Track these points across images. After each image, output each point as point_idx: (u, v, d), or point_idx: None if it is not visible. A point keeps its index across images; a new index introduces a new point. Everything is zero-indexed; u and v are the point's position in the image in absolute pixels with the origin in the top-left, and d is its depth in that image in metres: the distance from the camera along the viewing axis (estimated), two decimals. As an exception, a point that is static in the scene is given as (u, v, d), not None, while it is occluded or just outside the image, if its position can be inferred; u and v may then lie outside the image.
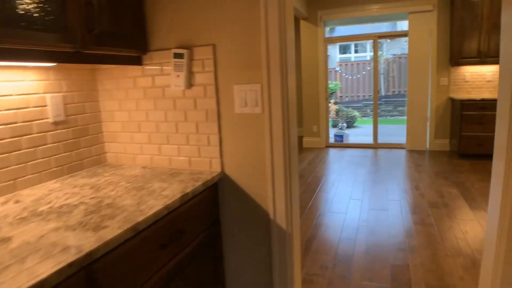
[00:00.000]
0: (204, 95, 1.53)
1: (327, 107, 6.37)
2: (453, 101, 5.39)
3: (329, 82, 10.39)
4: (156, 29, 1.57)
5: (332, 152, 6.00)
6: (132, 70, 1.65)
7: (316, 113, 6.27)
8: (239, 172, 1.55)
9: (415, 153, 5.57)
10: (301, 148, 6.35)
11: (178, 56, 1.51)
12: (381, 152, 5.80)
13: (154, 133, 1.66)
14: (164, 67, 1.58)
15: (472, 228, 2.86)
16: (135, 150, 1.72)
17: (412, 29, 5.52)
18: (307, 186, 4.18)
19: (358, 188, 4.00)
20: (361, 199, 3.66)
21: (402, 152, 5.69)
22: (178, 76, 1.52)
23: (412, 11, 5.45)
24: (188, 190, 1.30)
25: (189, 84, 1.55)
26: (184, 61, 1.50)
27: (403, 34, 6.01)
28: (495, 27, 4.89)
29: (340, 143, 6.44)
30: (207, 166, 1.58)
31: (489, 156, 5.22)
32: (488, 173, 4.42)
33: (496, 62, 4.99)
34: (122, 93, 1.69)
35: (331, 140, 6.57)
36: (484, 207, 3.27)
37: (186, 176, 1.49)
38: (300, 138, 6.78)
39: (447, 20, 5.35)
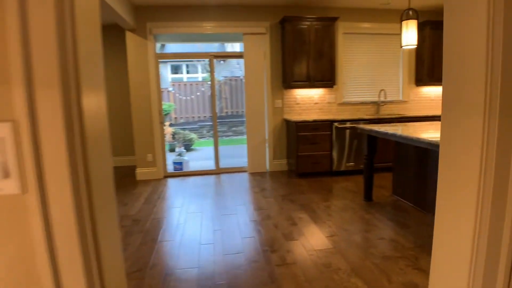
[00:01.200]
0: None
1: (163, 132, 5.62)
2: (288, 122, 5.53)
3: (163, 103, 9.69)
4: None
5: (172, 183, 5.25)
6: None
7: (150, 140, 5.42)
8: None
9: (257, 176, 5.43)
10: (134, 181, 5.34)
11: None
12: (224, 178, 5.42)
13: None
14: None
15: (333, 259, 2.65)
16: None
17: (247, 51, 5.44)
18: (146, 234, 3.30)
19: (207, 228, 3.39)
20: (212, 242, 3.05)
21: (245, 176, 5.47)
22: None
23: (247, 32, 5.38)
24: None
25: None
26: None
27: (238, 55, 5.93)
28: (320, 53, 5.28)
29: (180, 172, 5.76)
30: None
31: (322, 174, 5.88)
32: (326, 190, 4.77)
33: (323, 86, 5.38)
34: None
35: (170, 168, 5.82)
36: (334, 230, 3.18)
37: None
38: (133, 170, 5.76)
39: (279, 44, 5.51)
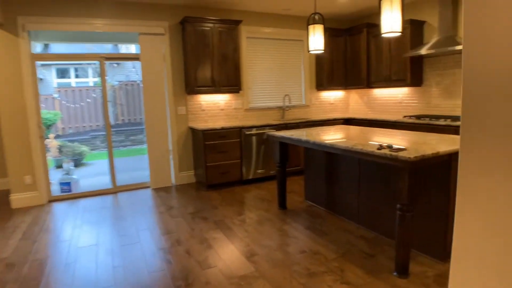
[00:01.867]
0: None
1: (44, 147, 4.64)
2: (193, 131, 5.12)
3: (46, 111, 8.26)
4: None
5: (59, 208, 4.34)
6: None
7: (28, 158, 4.40)
8: None
9: (162, 192, 4.88)
10: (8, 210, 4.28)
11: None
12: (123, 197, 4.73)
13: None
14: None
15: (258, 285, 2.36)
16: None
17: (144, 52, 4.86)
18: (23, 283, 2.53)
19: (105, 265, 2.78)
20: (113, 283, 2.48)
21: (148, 193, 4.86)
22: None
23: (144, 32, 4.79)
24: None
25: None
26: None
27: (134, 57, 5.27)
28: (225, 57, 5.00)
29: (69, 194, 4.82)
30: None
31: (232, 184, 5.28)
32: (239, 202, 4.35)
33: (229, 91, 5.12)
34: None
35: (56, 190, 4.84)
36: (254, 249, 2.92)
37: None
38: (6, 195, 4.64)
39: (180, 46, 5.06)
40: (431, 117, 4.66)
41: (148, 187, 5.14)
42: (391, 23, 2.47)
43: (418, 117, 4.80)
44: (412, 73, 5.12)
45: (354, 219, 3.46)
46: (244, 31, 5.46)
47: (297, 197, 4.39)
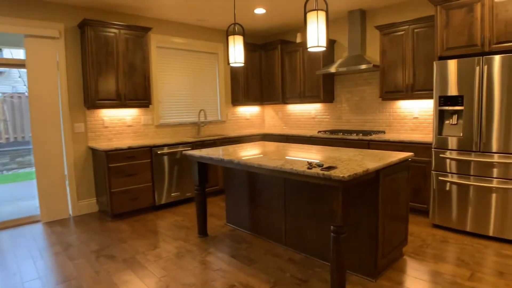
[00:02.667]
0: None
1: None
2: (94, 151, 4.42)
3: None
4: None
5: None
6: None
7: None
8: None
9: (57, 226, 4.05)
10: None
11: None
12: (4, 237, 3.78)
13: None
14: None
15: None
16: None
17: (31, 59, 4.04)
18: None
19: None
20: None
21: (38, 229, 3.98)
22: None
23: (31, 34, 3.99)
24: None
25: None
26: None
27: (19, 64, 4.35)
28: (132, 67, 4.46)
29: None
30: None
31: (144, 211, 4.46)
32: (153, 232, 3.68)
33: (137, 105, 4.57)
34: None
35: None
36: (174, 291, 2.48)
37: None
38: None
39: (78, 53, 4.35)
40: (344, 131, 4.82)
41: (38, 221, 4.24)
42: (316, 37, 2.37)
43: (332, 132, 4.93)
44: (325, 89, 5.28)
45: (281, 241, 3.26)
46: (155, 40, 5.00)
47: (217, 221, 4.05)
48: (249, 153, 3.20)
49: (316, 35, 2.34)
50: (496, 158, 3.17)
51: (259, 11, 4.80)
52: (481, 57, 3.18)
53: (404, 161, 2.81)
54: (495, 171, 3.19)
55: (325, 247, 2.87)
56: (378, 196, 2.49)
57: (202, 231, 3.56)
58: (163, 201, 4.60)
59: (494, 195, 3.20)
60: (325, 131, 5.07)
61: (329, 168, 2.27)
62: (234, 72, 5.94)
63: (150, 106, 4.86)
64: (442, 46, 3.50)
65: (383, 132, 4.80)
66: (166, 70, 5.19)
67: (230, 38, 3.13)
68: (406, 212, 2.95)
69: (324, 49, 2.46)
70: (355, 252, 2.66)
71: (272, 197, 3.32)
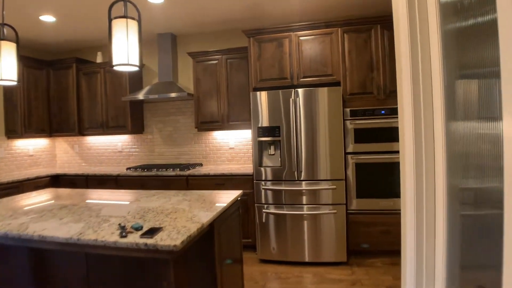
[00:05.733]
0: None
1: None
2: None
3: None
4: None
5: None
6: None
7: None
8: None
9: None
10: None
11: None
12: None
13: None
14: None
15: None
16: None
17: None
18: None
19: None
20: None
21: None
22: None
23: None
24: None
25: None
26: None
27: None
28: None
29: None
30: None
31: None
32: None
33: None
34: None
35: None
36: None
37: None
38: None
39: None
40: (158, 167, 4.23)
41: None
42: (126, 53, 1.74)
43: (144, 167, 4.25)
44: (133, 119, 4.56)
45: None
46: None
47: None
48: (28, 213, 2.15)
49: (126, 50, 1.71)
50: (304, 186, 3.31)
51: (47, 18, 3.70)
52: (292, 89, 3.30)
53: (235, 201, 2.48)
54: (304, 199, 3.32)
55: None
56: (214, 251, 2.03)
57: None
58: None
59: (305, 222, 3.32)
60: (135, 168, 4.32)
61: (152, 231, 1.64)
62: (8, 93, 4.41)
63: None
64: (256, 77, 3.49)
65: (201, 164, 4.50)
66: None
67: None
68: (240, 256, 2.62)
69: (137, 69, 1.85)
70: (189, 329, 2.08)
71: (68, 280, 2.33)
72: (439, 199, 1.41)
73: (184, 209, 2.11)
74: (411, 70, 1.49)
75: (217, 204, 2.21)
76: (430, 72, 1.45)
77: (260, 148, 3.52)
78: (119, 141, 4.96)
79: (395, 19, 1.64)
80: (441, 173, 1.38)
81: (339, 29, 3.39)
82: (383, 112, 3.35)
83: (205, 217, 1.91)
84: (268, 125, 3.41)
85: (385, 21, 3.33)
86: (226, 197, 2.42)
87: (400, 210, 3.31)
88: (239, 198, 2.56)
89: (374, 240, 3.44)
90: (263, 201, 3.46)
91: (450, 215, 1.36)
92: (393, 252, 3.47)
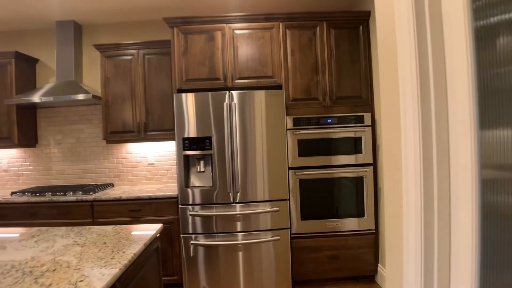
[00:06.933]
0: None
1: None
2: None
3: None
4: None
5: None
6: None
7: None
8: None
9: None
10: None
11: None
12: None
13: None
14: None
15: None
16: None
17: None
18: None
19: None
20: None
21: None
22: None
23: None
24: None
25: None
26: None
27: None
28: None
29: None
30: None
31: None
32: None
33: None
34: None
35: None
36: None
37: None
38: None
39: None
40: (55, 190, 3.28)
41: None
42: None
43: (36, 192, 3.26)
44: (21, 128, 3.54)
45: None
46: None
47: None
48: None
49: None
50: (241, 209, 2.73)
51: None
52: (227, 91, 2.72)
53: (154, 239, 1.78)
54: (240, 225, 2.74)
55: None
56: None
57: None
58: None
59: (241, 253, 2.74)
60: (23, 192, 3.30)
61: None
62: None
63: None
64: (181, 76, 2.83)
65: (112, 185, 3.64)
66: None
67: None
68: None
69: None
70: None
71: None
72: None
73: (70, 265, 1.36)
74: (418, 68, 1.02)
75: (123, 252, 1.50)
76: (444, 72, 0.98)
77: (186, 164, 2.85)
78: (4, 158, 3.84)
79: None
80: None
81: (281, 23, 2.92)
82: (329, 120, 2.94)
83: (100, 280, 1.19)
84: (196, 136, 2.77)
85: (332, 18, 2.95)
86: (139, 235, 1.71)
87: (347, 231, 2.94)
88: (158, 235, 1.87)
89: (321, 268, 2.98)
90: (191, 231, 2.78)
91: None
92: (342, 279, 3.05)
